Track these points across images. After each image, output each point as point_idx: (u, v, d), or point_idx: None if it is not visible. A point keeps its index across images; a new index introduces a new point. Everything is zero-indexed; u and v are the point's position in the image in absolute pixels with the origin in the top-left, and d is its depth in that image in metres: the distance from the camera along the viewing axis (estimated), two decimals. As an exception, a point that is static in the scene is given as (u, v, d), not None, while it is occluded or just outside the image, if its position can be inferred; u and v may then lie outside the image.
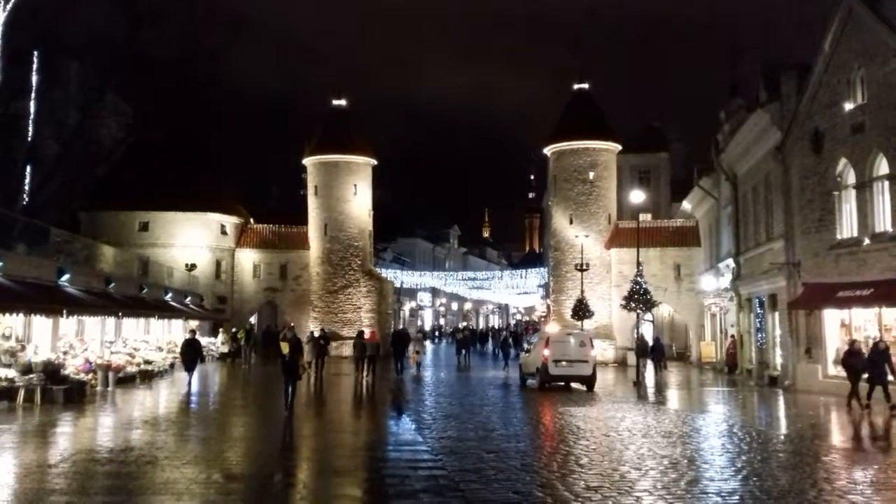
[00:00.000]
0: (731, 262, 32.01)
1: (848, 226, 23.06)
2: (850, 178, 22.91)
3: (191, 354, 24.03)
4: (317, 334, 31.38)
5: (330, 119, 45.94)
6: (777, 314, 26.75)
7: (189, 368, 23.84)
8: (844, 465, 12.51)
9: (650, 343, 33.14)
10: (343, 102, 46.07)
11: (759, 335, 29.08)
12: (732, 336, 32.63)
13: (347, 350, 41.28)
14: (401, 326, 52.91)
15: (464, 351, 37.88)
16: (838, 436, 16.70)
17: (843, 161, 23.03)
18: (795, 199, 24.89)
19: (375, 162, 46.21)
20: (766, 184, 27.65)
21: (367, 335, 29.71)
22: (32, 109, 30.93)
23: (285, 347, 17.71)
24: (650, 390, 25.60)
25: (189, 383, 23.23)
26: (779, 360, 26.69)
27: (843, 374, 23.01)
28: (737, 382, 28.63)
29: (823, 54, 23.56)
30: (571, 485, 10.47)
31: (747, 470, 11.72)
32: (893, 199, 21.11)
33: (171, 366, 29.13)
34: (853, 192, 22.76)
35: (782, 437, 15.74)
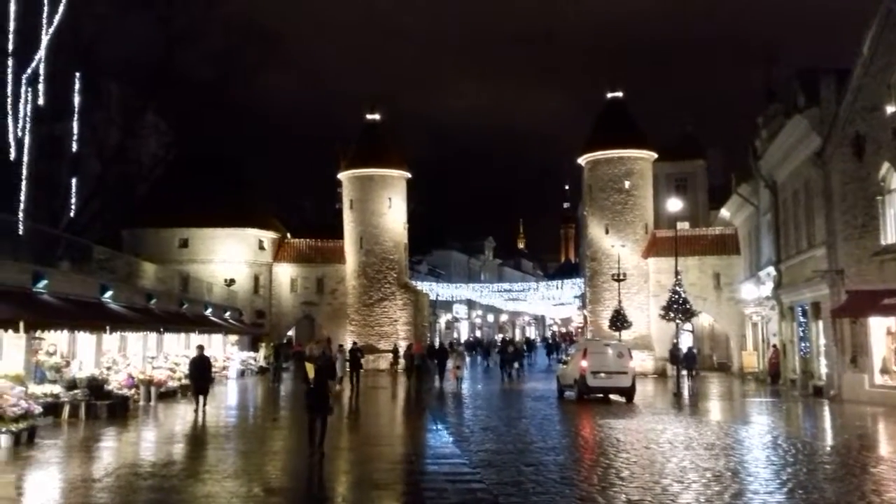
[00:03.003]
0: (772, 270, 31.48)
1: (892, 231, 22.56)
2: (894, 182, 22.44)
3: (200, 375, 20.38)
4: (348, 347, 31.48)
5: (364, 133, 46.31)
6: (821, 323, 26.22)
7: (198, 391, 20.03)
8: (894, 476, 12.17)
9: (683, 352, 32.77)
10: (377, 116, 46.42)
11: (803, 344, 28.52)
12: (775, 345, 32.04)
13: (384, 363, 41.56)
14: (439, 341, 53.17)
15: (517, 364, 37.64)
16: (887, 447, 16.28)
17: (885, 165, 22.56)
18: (837, 204, 24.42)
19: (410, 175, 46.44)
20: (807, 190, 27.19)
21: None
22: (75, 130, 31.61)
23: (311, 371, 13.76)
24: (689, 401, 25.24)
25: (196, 410, 19.51)
26: (823, 370, 26.13)
27: (891, 383, 22.52)
28: (780, 393, 28.10)
29: (863, 58, 23.15)
30: (612, 498, 10.35)
31: (793, 482, 11.48)
32: (939, 203, 20.62)
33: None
34: (897, 197, 22.29)
35: (828, 449, 15.41)
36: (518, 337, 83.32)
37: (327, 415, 13.78)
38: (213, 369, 30.91)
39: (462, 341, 69.85)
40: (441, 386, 30.21)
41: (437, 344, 44.46)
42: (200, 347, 21.92)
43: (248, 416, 22.97)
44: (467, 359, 39.48)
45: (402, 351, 39.39)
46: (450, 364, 32.49)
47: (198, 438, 16.72)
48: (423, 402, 24.77)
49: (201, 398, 19.88)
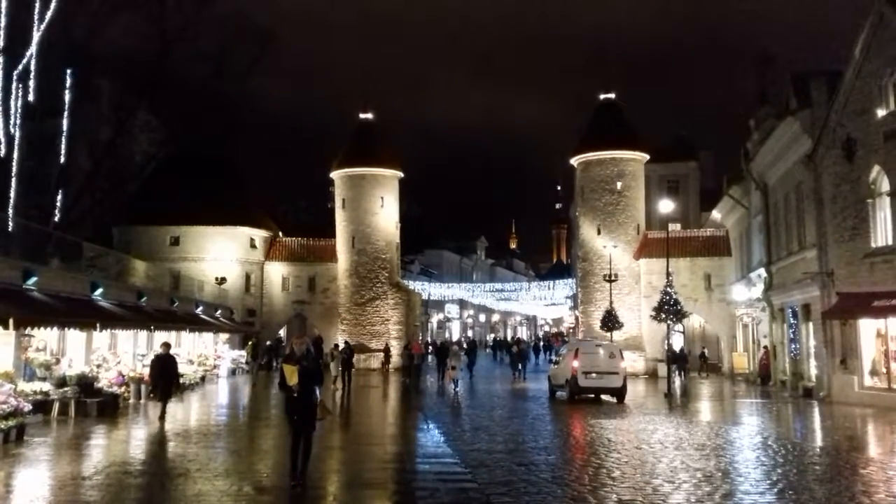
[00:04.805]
0: (762, 271, 31.60)
1: (882, 234, 22.68)
2: (885, 185, 22.54)
3: (163, 375, 18.15)
4: (341, 347, 31.44)
5: (357, 132, 46.23)
6: (811, 324, 26.33)
7: (161, 396, 18.14)
8: (883, 477, 12.23)
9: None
10: (370, 115, 46.34)
11: (793, 346, 28.63)
12: (765, 347, 32.17)
13: (375, 362, 41.57)
14: (433, 340, 53.41)
15: (520, 365, 37.59)
16: (876, 448, 16.36)
17: (876, 168, 22.68)
18: (828, 207, 24.54)
19: (402, 174, 46.39)
20: (798, 192, 27.31)
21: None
22: (65, 127, 31.48)
23: (292, 375, 10.60)
24: (681, 401, 25.31)
25: (161, 416, 17.74)
26: (813, 371, 26.25)
27: (880, 384, 22.64)
28: (770, 394, 28.20)
29: (854, 61, 23.26)
30: (603, 498, 10.36)
31: (783, 483, 11.52)
32: (929, 206, 20.72)
33: (202, 378, 29.47)
34: (888, 200, 22.38)
35: (818, 450, 15.46)
36: (509, 337, 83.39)
37: (311, 433, 10.95)
38: (204, 367, 31.16)
39: (454, 341, 69.87)
40: (441, 383, 30.73)
41: (439, 343, 44.74)
42: (166, 345, 19.56)
43: (238, 414, 22.87)
44: (464, 359, 39.42)
45: (394, 350, 39.39)
46: (448, 364, 32.79)
47: (189, 437, 16.64)
48: (418, 400, 24.82)
49: (165, 403, 18.12)
